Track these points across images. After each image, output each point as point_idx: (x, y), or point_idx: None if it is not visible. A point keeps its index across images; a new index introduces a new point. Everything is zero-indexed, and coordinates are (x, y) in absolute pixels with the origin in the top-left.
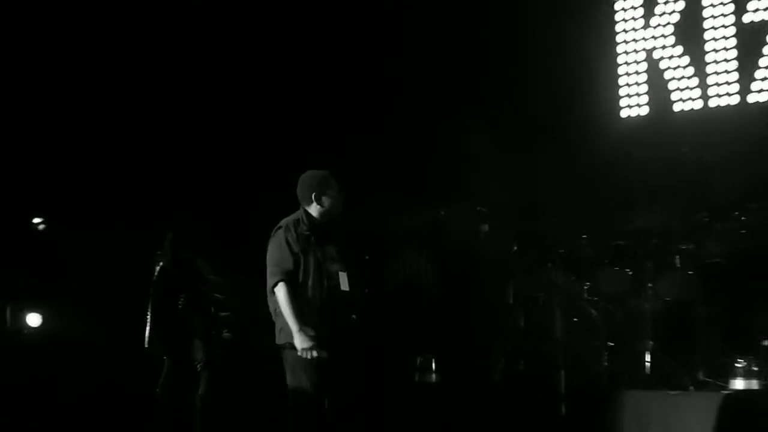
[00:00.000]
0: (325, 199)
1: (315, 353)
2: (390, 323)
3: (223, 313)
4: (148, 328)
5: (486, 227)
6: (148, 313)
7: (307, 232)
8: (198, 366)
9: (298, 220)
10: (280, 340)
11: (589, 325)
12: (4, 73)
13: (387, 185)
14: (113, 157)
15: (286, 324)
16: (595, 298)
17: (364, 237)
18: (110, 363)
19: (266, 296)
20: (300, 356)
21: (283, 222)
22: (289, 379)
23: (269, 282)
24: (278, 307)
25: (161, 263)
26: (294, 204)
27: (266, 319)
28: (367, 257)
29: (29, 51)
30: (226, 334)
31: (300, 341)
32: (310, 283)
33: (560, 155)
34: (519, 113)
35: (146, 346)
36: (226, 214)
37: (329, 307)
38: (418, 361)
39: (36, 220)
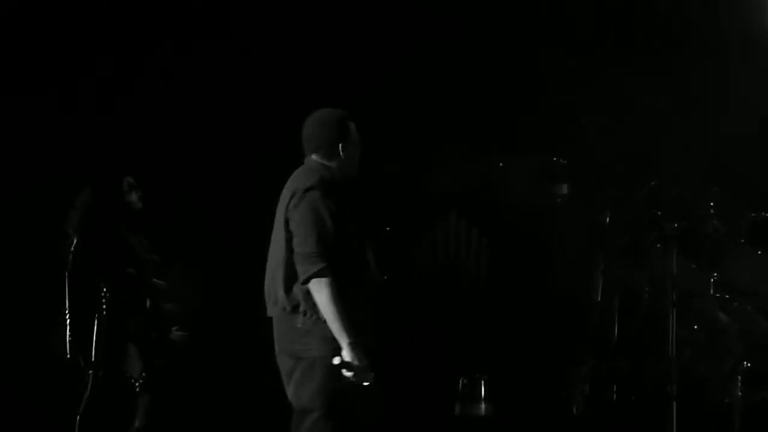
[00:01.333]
0: (346, 149)
1: (369, 378)
2: (422, 328)
3: (167, 306)
4: (68, 328)
5: (565, 189)
6: (66, 307)
7: (341, 198)
8: (135, 385)
9: (327, 179)
10: (309, 350)
11: (718, 336)
12: None
13: (419, 127)
14: None
15: (325, 329)
16: (727, 296)
17: (383, 202)
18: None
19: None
20: (343, 376)
21: (312, 180)
22: (319, 402)
23: (302, 267)
24: (310, 305)
25: (74, 237)
26: (284, 153)
27: (234, 314)
28: (388, 229)
29: None
30: (175, 334)
31: (354, 358)
32: (353, 271)
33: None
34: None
35: (68, 355)
36: (176, 164)
37: (372, 306)
38: (462, 384)
39: None
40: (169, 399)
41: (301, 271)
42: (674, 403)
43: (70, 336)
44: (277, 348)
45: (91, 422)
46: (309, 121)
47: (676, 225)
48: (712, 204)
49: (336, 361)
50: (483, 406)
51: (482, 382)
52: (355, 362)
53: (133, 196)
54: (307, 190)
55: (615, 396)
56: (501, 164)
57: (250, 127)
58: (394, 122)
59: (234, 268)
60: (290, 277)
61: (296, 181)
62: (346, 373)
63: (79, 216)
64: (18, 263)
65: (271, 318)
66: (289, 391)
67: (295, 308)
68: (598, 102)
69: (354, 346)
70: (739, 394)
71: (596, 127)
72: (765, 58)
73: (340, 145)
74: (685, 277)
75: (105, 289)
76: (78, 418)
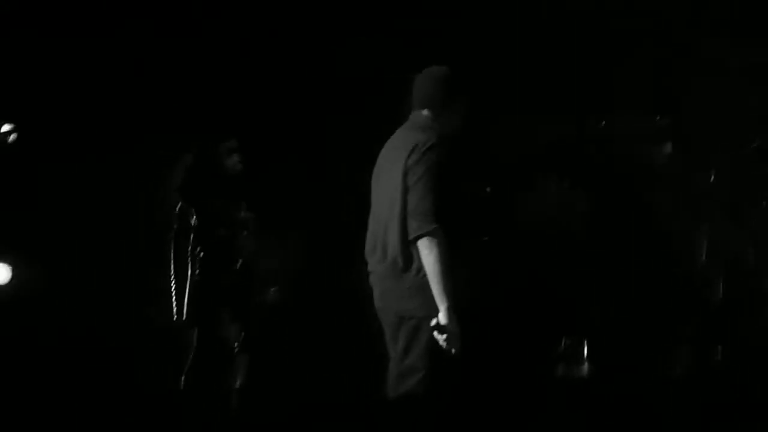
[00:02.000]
0: (455, 106)
1: (457, 345)
2: (520, 289)
3: (262, 266)
4: (174, 293)
5: (669, 146)
6: (171, 272)
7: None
8: (234, 347)
9: (445, 136)
10: (415, 309)
11: None
12: None
13: (519, 86)
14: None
15: (428, 289)
16: None
17: (482, 161)
18: (114, 340)
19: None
20: (436, 337)
21: (433, 137)
22: (425, 362)
23: (416, 223)
24: (421, 263)
25: (178, 200)
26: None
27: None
28: (488, 189)
29: None
30: (272, 294)
31: (451, 325)
32: (462, 232)
33: None
34: None
35: (174, 318)
36: (278, 128)
37: (477, 266)
38: (563, 345)
39: (5, 128)
40: (268, 359)
41: (415, 227)
42: None
43: (174, 299)
44: (379, 303)
45: (195, 383)
46: (421, 77)
47: None
48: None
49: (433, 322)
50: (585, 366)
51: (585, 342)
52: (450, 327)
53: (233, 159)
54: (431, 147)
55: (719, 358)
56: (603, 123)
57: (347, 92)
58: (491, 81)
59: (333, 230)
60: (405, 232)
61: (411, 135)
62: (438, 336)
63: (180, 179)
64: (122, 227)
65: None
66: (393, 346)
67: (408, 265)
68: (703, 60)
69: (452, 310)
70: None
71: (702, 86)
72: None
73: (451, 102)
74: None
75: (200, 250)
76: (183, 377)
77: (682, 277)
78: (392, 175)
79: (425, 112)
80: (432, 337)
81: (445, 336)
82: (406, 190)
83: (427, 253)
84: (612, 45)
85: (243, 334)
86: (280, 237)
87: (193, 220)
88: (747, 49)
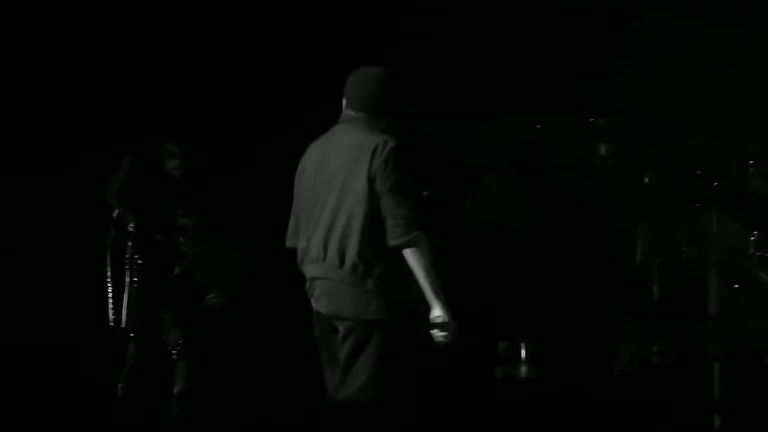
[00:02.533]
0: (394, 107)
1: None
2: (461, 290)
3: (201, 272)
4: (109, 296)
5: (604, 148)
6: (108, 276)
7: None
8: (173, 353)
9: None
10: (369, 311)
11: (759, 295)
12: None
13: (457, 90)
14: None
15: (394, 292)
16: None
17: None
18: (51, 347)
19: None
20: (436, 335)
21: (390, 139)
22: (375, 367)
23: (403, 228)
24: (390, 267)
25: (115, 206)
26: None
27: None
28: (426, 193)
29: None
30: (211, 300)
31: (448, 318)
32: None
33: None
34: None
35: (110, 323)
36: (218, 133)
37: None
38: (501, 347)
39: None
40: (209, 364)
41: (400, 233)
42: (716, 364)
43: (111, 304)
44: (329, 308)
45: (133, 387)
46: (358, 76)
47: (716, 184)
48: (752, 162)
49: (438, 320)
50: (524, 368)
51: (522, 344)
52: (450, 322)
53: (171, 164)
54: (395, 149)
55: (656, 357)
56: (538, 126)
57: (295, 92)
58: (433, 85)
59: (275, 236)
60: (373, 237)
61: (361, 136)
62: (440, 333)
63: (119, 183)
64: (67, 235)
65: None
66: (329, 353)
67: (369, 270)
68: (637, 60)
69: (447, 305)
70: None
71: (636, 86)
72: None
73: (389, 104)
74: (726, 236)
75: (136, 256)
76: (120, 385)
77: (621, 276)
78: (348, 178)
79: (361, 113)
80: (384, 339)
81: (446, 333)
82: (372, 195)
83: (418, 259)
84: (547, 48)
85: (182, 339)
86: (220, 243)
87: (130, 225)
88: (685, 48)
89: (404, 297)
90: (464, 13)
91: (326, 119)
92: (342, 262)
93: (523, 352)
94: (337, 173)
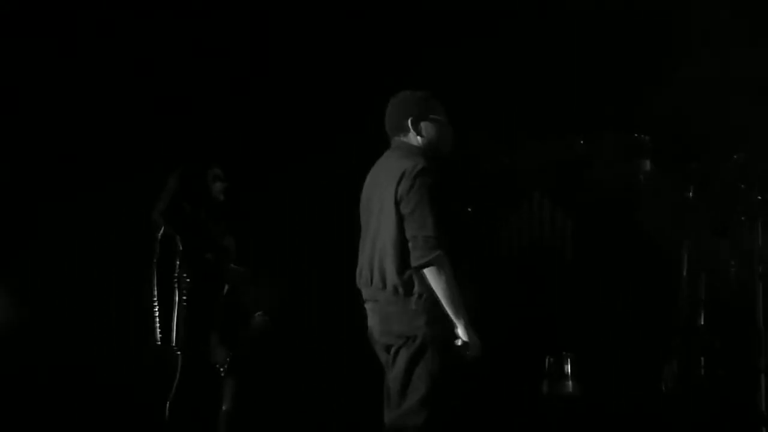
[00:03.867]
0: (427, 127)
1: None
2: (506, 307)
3: (248, 291)
4: (157, 317)
5: (649, 164)
6: (154, 296)
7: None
8: (221, 371)
9: (430, 159)
10: (417, 327)
11: None
12: None
13: (499, 106)
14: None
15: (436, 311)
16: None
17: (464, 182)
18: (98, 366)
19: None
20: (463, 355)
21: (421, 162)
22: (428, 383)
23: (420, 251)
24: (425, 287)
25: (161, 225)
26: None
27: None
28: (469, 210)
29: None
30: (257, 319)
31: (472, 338)
32: (459, 254)
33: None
34: None
35: (158, 342)
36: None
37: (473, 286)
38: (548, 363)
39: None
40: (256, 382)
41: (419, 255)
42: (763, 377)
43: (159, 324)
44: (378, 330)
45: (181, 407)
46: (390, 104)
47: (761, 198)
48: None
49: (459, 342)
50: (570, 383)
51: (569, 359)
52: (472, 341)
53: (217, 187)
54: (420, 172)
55: (704, 372)
56: (582, 142)
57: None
58: (475, 101)
59: (318, 259)
60: (405, 259)
61: (397, 161)
62: (464, 353)
63: (166, 204)
64: (114, 254)
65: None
66: (392, 372)
67: (408, 290)
68: (679, 74)
69: (469, 326)
70: None
71: (679, 101)
72: None
73: (422, 125)
74: None
75: (185, 275)
76: (168, 403)
77: (667, 292)
78: (383, 203)
79: (401, 137)
80: (435, 355)
81: (469, 351)
82: (400, 218)
83: (436, 278)
84: (590, 64)
85: (230, 358)
86: (267, 264)
87: (178, 245)
88: (727, 62)
89: (445, 314)
90: (505, 33)
91: (363, 142)
92: (384, 285)
93: (569, 368)
94: (377, 199)
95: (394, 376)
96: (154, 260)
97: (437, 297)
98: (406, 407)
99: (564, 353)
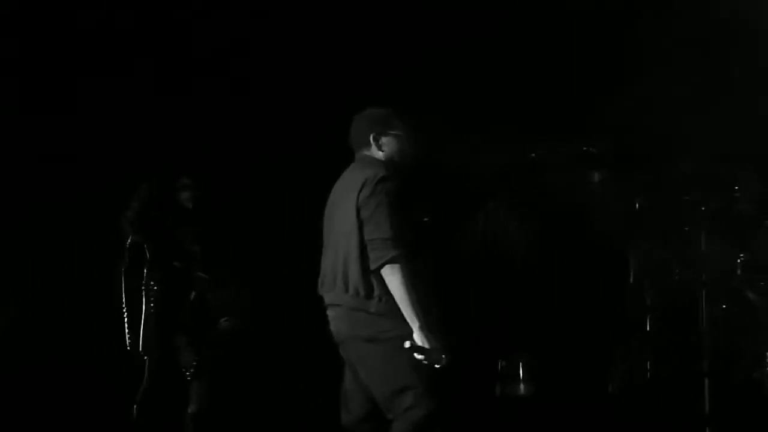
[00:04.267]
0: (388, 142)
1: (441, 359)
2: (461, 310)
3: (213, 297)
4: (125, 322)
5: (598, 175)
6: (123, 301)
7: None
8: (187, 374)
9: (391, 170)
10: (388, 331)
11: (747, 313)
12: None
13: (456, 115)
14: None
15: (396, 312)
16: (756, 275)
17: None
18: (66, 368)
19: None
20: (416, 357)
21: (381, 171)
22: (415, 377)
23: (377, 253)
24: (384, 290)
25: (130, 233)
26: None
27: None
28: (425, 219)
29: None
30: (223, 324)
31: (427, 341)
32: (417, 258)
33: (701, 74)
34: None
35: (127, 347)
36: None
37: (432, 291)
38: (501, 365)
39: None
40: (222, 385)
41: (376, 256)
42: (706, 380)
43: (127, 329)
44: (344, 333)
45: (148, 408)
46: (354, 120)
47: (705, 207)
48: (737, 188)
49: (407, 344)
50: (522, 386)
51: (521, 362)
52: (426, 345)
53: (185, 195)
54: (380, 180)
55: (649, 374)
56: (533, 154)
57: (299, 131)
58: (431, 114)
59: (283, 263)
60: (365, 263)
61: (359, 172)
62: (418, 356)
63: (135, 212)
64: (83, 261)
65: (323, 306)
66: (365, 375)
67: (369, 293)
68: (627, 87)
69: (424, 329)
70: None
71: (626, 113)
72: None
73: (383, 140)
74: (714, 257)
75: (152, 283)
76: (135, 405)
77: (615, 296)
78: (346, 211)
79: (365, 151)
80: (397, 357)
81: (423, 355)
82: (361, 224)
83: (391, 279)
84: (541, 78)
85: (196, 362)
86: (232, 270)
87: (147, 254)
88: (673, 78)
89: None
90: (463, 43)
91: (331, 151)
92: (347, 288)
93: (521, 371)
94: (339, 208)
95: (369, 376)
96: (122, 268)
97: (396, 299)
98: (407, 403)
99: (517, 355)
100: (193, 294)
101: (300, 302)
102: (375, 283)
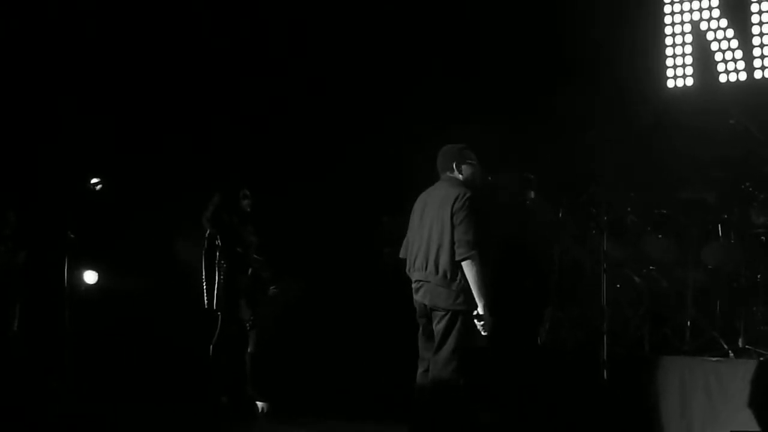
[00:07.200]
0: (465, 168)
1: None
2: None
3: (265, 273)
4: (205, 290)
5: (532, 194)
6: (203, 275)
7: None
8: (246, 325)
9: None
10: (456, 304)
11: (633, 293)
12: None
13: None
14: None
15: (469, 291)
16: (640, 266)
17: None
18: (164, 322)
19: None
20: (477, 324)
21: (467, 191)
22: (457, 341)
23: (463, 249)
24: (461, 274)
25: (207, 227)
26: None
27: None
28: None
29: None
30: (272, 290)
31: (488, 319)
32: (487, 255)
33: (606, 125)
34: (565, 84)
35: (206, 305)
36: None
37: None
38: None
39: (93, 181)
40: (272, 334)
41: (461, 252)
42: (604, 336)
43: (206, 294)
44: (428, 302)
45: (220, 349)
46: (441, 152)
47: (605, 218)
48: (629, 206)
49: (475, 313)
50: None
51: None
52: (486, 317)
53: (245, 202)
54: (470, 197)
55: (566, 332)
56: (489, 178)
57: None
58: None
59: (323, 253)
60: (453, 255)
61: (450, 189)
62: (478, 323)
63: (211, 213)
64: (184, 242)
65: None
66: (437, 332)
67: (453, 276)
68: (554, 133)
69: (487, 306)
70: (648, 331)
71: (551, 150)
72: None
73: (462, 167)
74: (612, 253)
75: (222, 261)
76: (212, 347)
77: (543, 281)
78: (440, 214)
79: (449, 173)
80: (465, 322)
81: (482, 323)
82: (452, 227)
83: (470, 268)
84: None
85: (252, 316)
86: (280, 256)
87: (218, 241)
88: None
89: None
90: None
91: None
92: (437, 271)
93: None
94: (435, 213)
95: (437, 332)
96: (203, 251)
97: (470, 283)
98: (441, 357)
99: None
100: (249, 270)
101: (333, 281)
102: (458, 270)
